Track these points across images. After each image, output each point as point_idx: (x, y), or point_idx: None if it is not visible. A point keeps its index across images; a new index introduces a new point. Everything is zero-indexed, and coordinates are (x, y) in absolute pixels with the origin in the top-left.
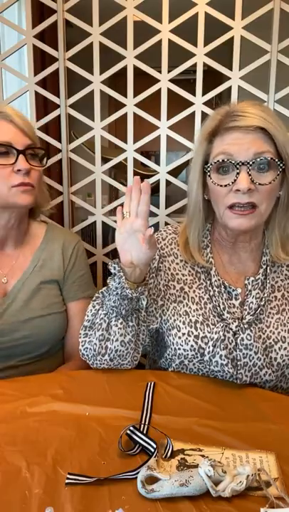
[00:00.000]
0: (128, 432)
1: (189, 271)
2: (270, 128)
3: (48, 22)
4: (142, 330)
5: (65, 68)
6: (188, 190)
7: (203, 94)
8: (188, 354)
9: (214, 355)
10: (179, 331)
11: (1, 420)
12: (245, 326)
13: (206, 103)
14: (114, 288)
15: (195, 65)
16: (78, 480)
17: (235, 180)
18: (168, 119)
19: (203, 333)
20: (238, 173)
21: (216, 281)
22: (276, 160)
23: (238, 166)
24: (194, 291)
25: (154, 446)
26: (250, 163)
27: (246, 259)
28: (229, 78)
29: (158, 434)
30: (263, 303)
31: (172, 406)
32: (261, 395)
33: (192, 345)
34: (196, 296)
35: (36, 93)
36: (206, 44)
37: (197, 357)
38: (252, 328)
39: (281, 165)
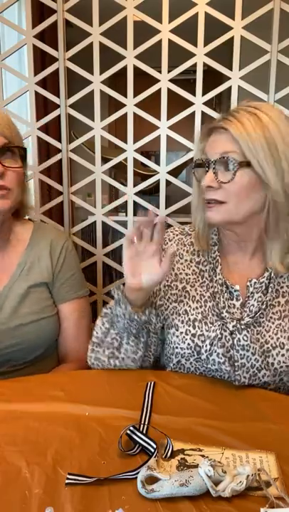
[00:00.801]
0: (128, 432)
1: (193, 270)
2: (233, 129)
3: (48, 22)
4: (153, 341)
5: (65, 68)
6: (193, 189)
7: (203, 94)
8: (185, 353)
9: (211, 353)
10: (176, 330)
11: (1, 420)
12: (243, 326)
13: (206, 103)
14: (121, 314)
15: (195, 65)
16: (78, 480)
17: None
18: (168, 119)
19: (201, 331)
20: (207, 171)
21: (220, 279)
22: (233, 158)
23: (206, 165)
24: (196, 290)
25: (154, 446)
26: (214, 161)
27: (250, 260)
28: (229, 78)
29: (158, 434)
30: (264, 306)
31: (172, 406)
32: (261, 394)
33: (189, 344)
34: (197, 294)
35: (36, 93)
36: (206, 44)
37: (194, 355)
38: (249, 330)
39: (236, 164)
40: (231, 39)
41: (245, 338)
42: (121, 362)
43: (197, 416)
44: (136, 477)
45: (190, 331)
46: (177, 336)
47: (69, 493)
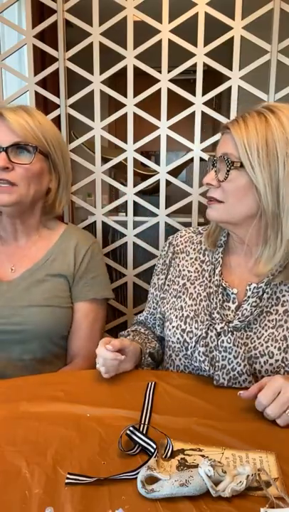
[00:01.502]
0: (128, 432)
1: (196, 268)
2: (233, 129)
3: (48, 22)
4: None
5: (65, 68)
6: None
7: (203, 94)
8: (175, 347)
9: (194, 350)
10: (170, 323)
11: (1, 420)
12: (230, 329)
13: (206, 103)
14: None
15: (195, 65)
16: (78, 480)
17: None
18: (168, 119)
19: (190, 328)
20: (211, 169)
21: (216, 280)
22: (228, 159)
23: (212, 163)
24: (195, 288)
25: (154, 446)
26: (216, 160)
27: (253, 264)
28: (229, 78)
29: (158, 434)
30: (258, 312)
31: (172, 406)
32: None
33: (178, 338)
34: (194, 292)
35: (36, 93)
36: (206, 44)
37: (182, 350)
38: (235, 333)
39: (229, 165)
40: (231, 39)
41: (228, 340)
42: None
43: (197, 416)
44: (136, 477)
45: (181, 326)
46: (170, 330)
47: (69, 493)
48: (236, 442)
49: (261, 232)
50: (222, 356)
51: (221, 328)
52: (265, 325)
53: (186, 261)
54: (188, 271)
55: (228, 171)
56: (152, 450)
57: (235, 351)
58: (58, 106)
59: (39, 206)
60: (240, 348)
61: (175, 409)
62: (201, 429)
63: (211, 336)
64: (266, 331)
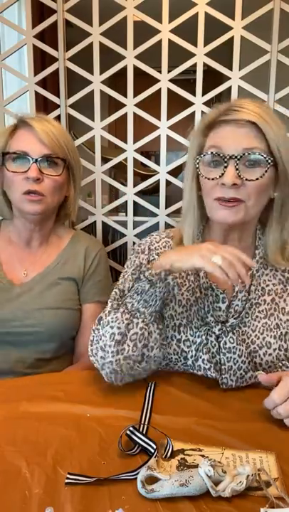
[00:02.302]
0: (128, 432)
1: (180, 273)
2: (262, 123)
3: (48, 22)
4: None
5: (65, 68)
6: (183, 187)
7: (203, 94)
8: (172, 357)
9: (197, 359)
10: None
11: (1, 420)
12: (228, 329)
13: (206, 103)
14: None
15: (195, 65)
16: (78, 480)
17: (222, 174)
18: (168, 119)
19: (186, 336)
20: (225, 167)
21: (204, 283)
22: (265, 156)
23: (226, 160)
24: (182, 294)
25: (154, 446)
26: (238, 157)
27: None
28: (229, 78)
29: (158, 434)
30: (249, 306)
31: (172, 406)
32: (261, 394)
33: (175, 349)
34: (183, 298)
35: (36, 93)
36: (206, 44)
37: (180, 360)
38: (235, 332)
39: (270, 161)
40: (231, 39)
41: (231, 340)
42: (150, 352)
43: (197, 416)
44: (136, 477)
45: (175, 337)
46: (164, 340)
47: (69, 493)
48: (236, 442)
49: (272, 223)
50: (227, 358)
51: (219, 330)
52: (257, 316)
53: None
54: (175, 276)
55: (267, 169)
56: (152, 450)
57: (239, 350)
58: (58, 106)
59: (55, 214)
60: (242, 346)
61: (175, 409)
62: (201, 429)
63: (212, 342)
64: (259, 322)
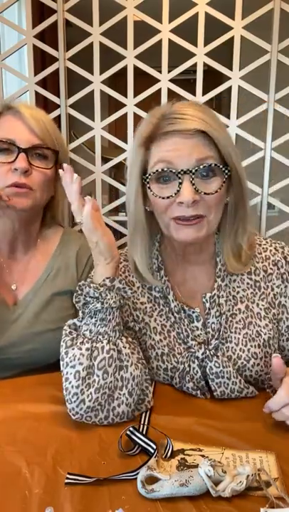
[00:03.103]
0: (128, 432)
1: (148, 297)
2: (211, 131)
3: (48, 22)
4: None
5: (65, 68)
6: (126, 204)
7: (204, 94)
8: (163, 383)
9: (181, 386)
10: (148, 363)
11: (1, 420)
12: (212, 352)
13: (206, 103)
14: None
15: (195, 65)
16: (78, 480)
17: (178, 191)
18: None
19: (171, 364)
20: (180, 183)
21: (175, 306)
22: (220, 166)
23: (179, 175)
24: (156, 320)
25: (154, 447)
26: (193, 171)
27: (199, 273)
28: (229, 78)
29: (158, 434)
30: (225, 320)
31: (172, 406)
32: (261, 394)
33: (164, 377)
34: (158, 325)
35: (36, 93)
36: (206, 44)
37: (173, 384)
38: (219, 355)
39: (226, 171)
40: (231, 39)
41: (216, 364)
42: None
43: (197, 416)
44: (136, 477)
45: (161, 367)
46: (151, 370)
47: (69, 493)
48: (236, 442)
49: (225, 229)
50: (217, 384)
51: (202, 353)
52: (236, 328)
53: (135, 291)
54: (142, 302)
55: (224, 180)
56: (152, 450)
57: (227, 372)
58: (58, 106)
59: (41, 215)
60: (229, 367)
61: (175, 409)
62: (201, 429)
63: (194, 368)
64: (239, 333)
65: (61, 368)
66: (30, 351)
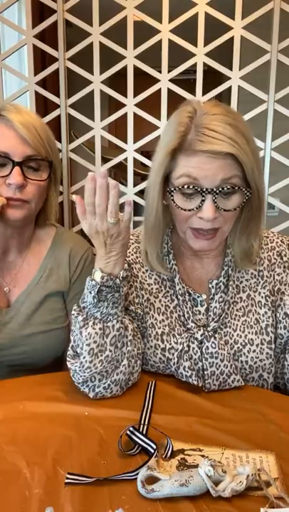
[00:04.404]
0: (128, 432)
1: (155, 279)
2: (240, 155)
3: (48, 22)
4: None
5: (65, 68)
6: (145, 193)
7: (203, 94)
8: (159, 366)
9: (178, 366)
10: (147, 342)
11: (1, 420)
12: (210, 333)
13: None
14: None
15: (195, 65)
16: (78, 480)
17: (200, 206)
18: (168, 119)
19: (170, 344)
20: (203, 200)
21: (180, 289)
22: (243, 188)
23: (203, 194)
24: (160, 301)
25: (154, 446)
26: (217, 191)
27: (209, 263)
28: (229, 78)
29: (158, 434)
30: (227, 306)
31: (172, 406)
32: (261, 394)
33: (160, 358)
34: (162, 305)
35: (36, 93)
36: (206, 44)
37: (168, 368)
38: (216, 336)
39: (248, 193)
40: (231, 39)
41: (213, 345)
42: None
43: (197, 416)
44: (136, 477)
45: (159, 346)
46: (148, 349)
47: (69, 493)
48: (236, 442)
49: (239, 231)
50: (209, 363)
51: (201, 335)
52: (236, 315)
53: (143, 272)
54: (149, 284)
55: (244, 201)
56: (152, 450)
57: (221, 354)
58: (58, 106)
59: (34, 219)
60: (224, 350)
61: (175, 409)
62: (201, 429)
63: (194, 348)
64: (238, 320)
65: (73, 345)
66: (21, 354)
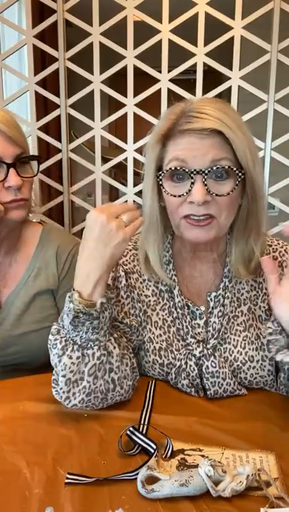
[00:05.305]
0: (128, 432)
1: (153, 290)
2: (228, 132)
3: (48, 22)
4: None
5: (65, 68)
6: (142, 198)
7: (203, 94)
8: (158, 378)
9: (176, 382)
10: (145, 356)
11: (1, 420)
12: (210, 351)
13: None
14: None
15: (195, 65)
16: (78, 480)
17: (189, 190)
18: None
19: (168, 360)
20: (192, 183)
21: (179, 301)
22: (234, 169)
23: (192, 175)
24: (158, 314)
25: (154, 446)
26: (206, 171)
27: (207, 271)
28: (229, 78)
29: (158, 434)
30: (226, 321)
31: (172, 406)
32: (262, 394)
33: (159, 372)
34: (159, 319)
35: (36, 93)
36: (206, 44)
37: (167, 380)
38: (216, 354)
39: (240, 174)
40: (231, 39)
41: (213, 364)
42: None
43: (197, 416)
44: (136, 477)
45: (157, 361)
46: (147, 363)
47: (69, 493)
48: (236, 442)
49: (237, 232)
50: (211, 383)
51: (200, 352)
52: (237, 330)
53: (141, 283)
54: (146, 295)
55: (237, 183)
56: (152, 450)
57: (223, 373)
58: (58, 106)
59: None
60: (225, 368)
61: (175, 409)
62: (201, 429)
63: (191, 365)
64: (239, 336)
65: (52, 372)
66: (14, 354)
